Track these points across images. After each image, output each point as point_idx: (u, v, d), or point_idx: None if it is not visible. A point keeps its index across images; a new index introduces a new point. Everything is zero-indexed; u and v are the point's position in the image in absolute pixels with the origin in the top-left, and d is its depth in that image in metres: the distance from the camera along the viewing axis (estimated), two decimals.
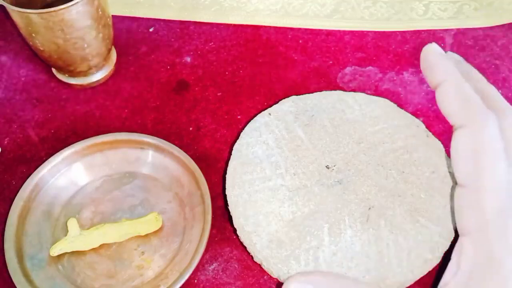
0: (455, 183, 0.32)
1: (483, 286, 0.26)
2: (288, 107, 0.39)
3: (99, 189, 0.38)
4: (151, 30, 0.49)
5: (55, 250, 0.34)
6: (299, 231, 0.33)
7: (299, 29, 0.49)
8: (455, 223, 0.31)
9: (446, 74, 0.30)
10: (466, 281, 0.27)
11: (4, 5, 0.37)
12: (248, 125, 0.39)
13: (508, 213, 0.26)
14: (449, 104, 0.29)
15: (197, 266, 0.33)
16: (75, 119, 0.43)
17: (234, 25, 0.49)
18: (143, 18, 0.50)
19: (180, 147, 0.38)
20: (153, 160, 0.38)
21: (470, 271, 0.27)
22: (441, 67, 0.30)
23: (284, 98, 0.41)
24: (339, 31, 0.49)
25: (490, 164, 0.27)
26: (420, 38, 0.48)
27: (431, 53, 0.31)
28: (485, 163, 0.27)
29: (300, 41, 0.48)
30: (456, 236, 0.34)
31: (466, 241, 0.28)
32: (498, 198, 0.27)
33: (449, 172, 0.36)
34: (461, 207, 0.29)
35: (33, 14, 0.36)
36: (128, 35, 0.48)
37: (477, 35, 0.49)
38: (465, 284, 0.27)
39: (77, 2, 0.37)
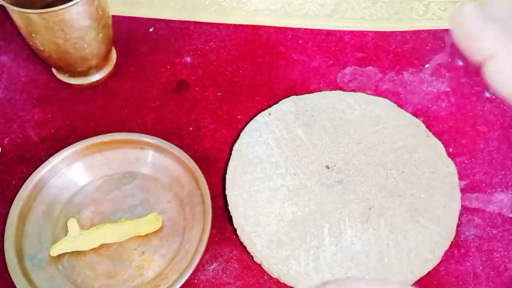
0: None
1: None
2: (288, 107, 0.39)
3: (99, 189, 0.38)
4: (151, 30, 0.49)
5: (55, 250, 0.34)
6: (299, 231, 0.33)
7: (299, 29, 0.49)
8: (458, 225, 0.31)
9: (499, 44, 0.23)
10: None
11: (4, 5, 0.37)
12: (248, 125, 0.39)
13: None
14: (509, 79, 0.23)
15: (197, 266, 0.33)
16: (75, 119, 0.43)
17: (234, 25, 0.49)
18: (143, 18, 0.50)
19: (180, 147, 0.38)
20: (153, 160, 0.38)
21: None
22: (489, 35, 0.23)
23: (284, 98, 0.41)
24: (339, 31, 0.49)
25: None
26: (420, 38, 0.48)
27: (472, 18, 0.25)
28: None
29: (300, 41, 0.48)
30: (455, 237, 0.34)
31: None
32: None
33: (449, 172, 0.36)
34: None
35: (33, 14, 0.36)
36: (128, 35, 0.48)
37: None
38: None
39: (77, 2, 0.37)
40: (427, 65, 0.46)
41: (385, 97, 0.41)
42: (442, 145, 0.37)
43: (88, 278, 0.34)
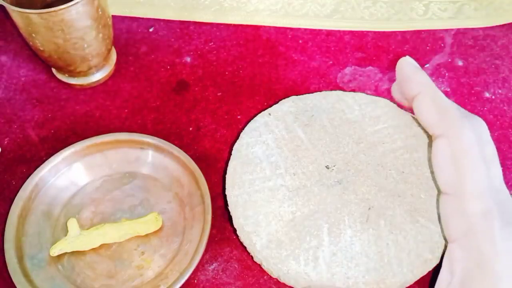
0: (438, 191, 0.33)
1: (478, 286, 0.26)
2: (288, 107, 0.39)
3: (99, 189, 0.38)
4: (151, 30, 0.49)
5: (55, 250, 0.34)
6: (299, 231, 0.33)
7: (299, 29, 0.49)
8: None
9: (422, 86, 0.31)
10: (461, 282, 0.27)
11: (4, 5, 0.37)
12: (248, 125, 0.39)
13: (492, 215, 0.27)
14: (426, 115, 0.30)
15: (197, 266, 0.33)
16: (75, 119, 0.43)
17: (234, 25, 0.49)
18: (143, 18, 0.50)
19: (180, 147, 0.38)
20: (153, 160, 0.38)
21: (462, 277, 0.27)
22: (417, 79, 0.31)
23: (284, 98, 0.41)
24: (339, 31, 0.49)
25: (470, 169, 0.28)
26: (420, 38, 0.48)
27: (406, 65, 0.32)
28: (465, 169, 0.28)
29: (300, 41, 0.48)
30: None
31: (455, 248, 0.29)
32: (481, 201, 0.27)
33: None
34: (446, 214, 0.30)
35: (33, 14, 0.36)
36: (128, 35, 0.48)
37: (477, 35, 0.49)
38: (461, 286, 0.27)
39: (77, 2, 0.37)
40: (427, 65, 0.46)
41: (385, 97, 0.41)
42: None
43: (88, 278, 0.34)
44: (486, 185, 0.27)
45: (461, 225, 0.28)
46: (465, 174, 0.28)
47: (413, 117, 0.39)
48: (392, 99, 0.41)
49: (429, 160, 0.36)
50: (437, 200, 0.33)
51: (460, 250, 0.28)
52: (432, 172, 0.35)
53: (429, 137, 0.38)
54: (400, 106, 0.38)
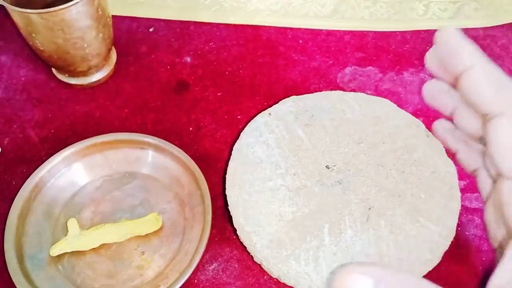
0: (494, 177, 0.29)
1: None
2: (288, 107, 0.39)
3: (99, 189, 0.38)
4: (151, 30, 0.49)
5: (55, 250, 0.34)
6: (299, 231, 0.33)
7: (299, 29, 0.49)
8: (458, 225, 0.31)
9: (474, 58, 0.27)
10: None
11: (4, 5, 0.37)
12: (248, 125, 0.39)
13: None
14: (480, 91, 0.27)
15: (197, 266, 0.33)
16: (75, 119, 0.43)
17: (234, 25, 0.49)
18: (143, 18, 0.50)
19: (180, 147, 0.38)
20: (153, 160, 0.38)
21: None
22: (466, 50, 0.27)
23: (284, 98, 0.41)
24: (339, 31, 0.49)
25: None
26: (420, 38, 0.48)
27: (452, 36, 0.28)
28: None
29: (300, 41, 0.48)
30: (455, 237, 0.34)
31: None
32: None
33: (449, 172, 0.36)
34: None
35: (33, 14, 0.36)
36: (128, 35, 0.48)
37: (477, 35, 0.49)
38: None
39: (77, 2, 0.37)
40: None
41: (385, 97, 0.41)
42: (442, 145, 0.37)
43: (88, 278, 0.34)
44: None
45: None
46: None
47: (413, 117, 0.39)
48: (392, 99, 0.41)
49: (430, 159, 0.36)
50: (480, 183, 0.30)
51: None
52: (433, 172, 0.35)
53: (429, 137, 0.38)
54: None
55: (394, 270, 0.22)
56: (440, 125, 0.31)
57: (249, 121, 0.39)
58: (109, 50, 0.44)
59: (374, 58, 0.47)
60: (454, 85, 0.28)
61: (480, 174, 0.30)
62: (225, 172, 0.37)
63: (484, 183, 0.29)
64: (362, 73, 0.46)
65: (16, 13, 0.37)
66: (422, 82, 0.45)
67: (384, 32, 0.49)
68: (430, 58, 0.31)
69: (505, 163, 0.26)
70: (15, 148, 0.41)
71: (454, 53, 0.27)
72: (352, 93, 0.40)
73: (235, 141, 0.38)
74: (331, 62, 0.46)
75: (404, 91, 0.44)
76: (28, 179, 0.36)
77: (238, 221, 0.34)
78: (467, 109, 0.28)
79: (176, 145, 0.38)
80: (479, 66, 0.27)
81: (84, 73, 0.43)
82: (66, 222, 0.36)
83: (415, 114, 0.41)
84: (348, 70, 0.46)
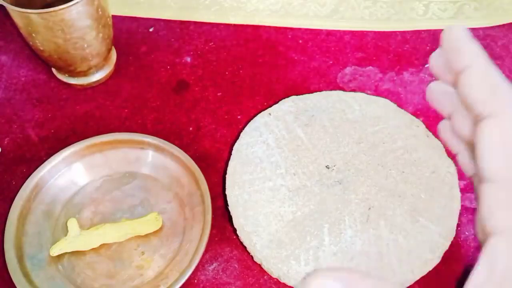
0: (478, 179, 0.29)
1: None
2: (288, 107, 0.39)
3: (99, 189, 0.38)
4: (151, 30, 0.49)
5: (55, 250, 0.34)
6: (299, 231, 0.33)
7: (299, 29, 0.49)
8: (458, 225, 0.31)
9: (473, 58, 0.28)
10: (500, 282, 0.26)
11: (4, 5, 0.37)
12: (248, 125, 0.39)
13: None
14: (474, 91, 0.27)
15: (197, 266, 0.33)
16: (75, 119, 0.43)
17: (234, 25, 0.49)
18: (143, 18, 0.50)
19: (180, 147, 0.38)
20: (153, 160, 0.38)
21: (505, 273, 0.26)
22: (467, 50, 0.28)
23: (284, 98, 0.41)
24: (339, 31, 0.49)
25: None
26: (420, 38, 0.48)
27: (457, 34, 0.29)
28: None
29: (300, 41, 0.48)
30: (455, 237, 0.34)
31: (499, 241, 0.27)
32: None
33: (449, 172, 0.36)
34: (490, 205, 0.28)
35: (33, 14, 0.36)
36: (128, 35, 0.48)
37: (477, 35, 0.49)
38: (500, 285, 0.26)
39: (77, 2, 0.37)
40: (427, 65, 0.46)
41: (385, 97, 0.41)
42: (442, 145, 0.37)
43: (88, 278, 0.34)
44: None
45: (509, 217, 0.26)
46: None
47: (413, 117, 0.39)
48: (392, 99, 0.41)
49: (430, 159, 0.36)
50: (476, 188, 0.31)
51: (504, 245, 0.26)
52: (433, 172, 0.35)
53: (429, 137, 0.38)
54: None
55: (362, 275, 0.23)
56: (445, 125, 0.31)
57: (249, 121, 0.39)
58: (109, 50, 0.44)
59: (374, 58, 0.47)
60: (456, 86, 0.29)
61: (475, 180, 0.30)
62: (225, 172, 0.37)
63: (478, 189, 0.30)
64: (362, 73, 0.45)
65: (16, 13, 0.37)
66: (422, 82, 0.45)
67: (384, 32, 0.49)
68: (435, 59, 0.31)
69: (486, 165, 0.27)
70: (15, 148, 0.41)
71: (457, 51, 0.28)
72: (352, 93, 0.40)
73: (235, 141, 0.38)
74: (331, 62, 0.46)
75: (404, 91, 0.44)
76: (28, 179, 0.36)
77: (238, 221, 0.34)
78: (463, 112, 0.29)
79: (176, 145, 0.38)
80: (477, 66, 0.27)
81: (84, 73, 0.43)
82: (66, 222, 0.36)
83: (415, 114, 0.41)
84: (348, 70, 0.46)
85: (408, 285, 0.32)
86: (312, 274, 0.23)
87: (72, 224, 0.35)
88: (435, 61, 0.31)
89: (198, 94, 0.44)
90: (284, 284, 0.33)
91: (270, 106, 0.40)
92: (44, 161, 0.37)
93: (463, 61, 0.28)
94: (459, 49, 0.28)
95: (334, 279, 0.23)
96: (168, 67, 0.46)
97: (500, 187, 0.26)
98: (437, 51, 0.31)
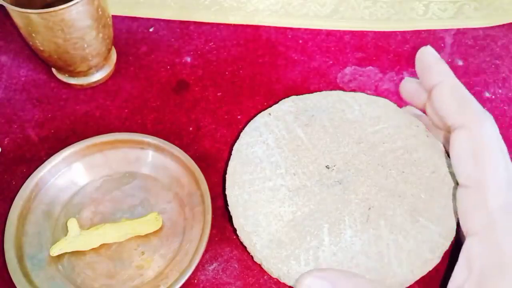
0: (456, 184, 0.33)
1: (497, 285, 0.26)
2: (288, 107, 0.39)
3: (99, 189, 0.38)
4: (151, 30, 0.49)
5: (55, 250, 0.34)
6: (299, 231, 0.33)
7: (299, 29, 0.49)
8: (458, 224, 0.31)
9: (443, 75, 0.31)
10: (479, 280, 0.27)
11: (4, 5, 0.37)
12: (248, 125, 0.39)
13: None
14: (446, 105, 0.30)
15: (197, 266, 0.33)
16: (75, 119, 0.43)
17: (234, 25, 0.49)
18: (143, 18, 0.50)
19: (180, 147, 0.38)
20: (153, 160, 0.38)
21: (481, 275, 0.27)
22: (437, 68, 0.31)
23: (284, 98, 0.41)
24: (339, 31, 0.49)
25: (492, 162, 0.28)
26: (420, 38, 0.48)
27: (427, 54, 0.32)
28: (486, 161, 0.28)
29: (300, 41, 0.48)
30: (457, 237, 0.34)
31: (473, 242, 0.28)
32: (502, 195, 0.27)
33: (449, 172, 0.36)
34: (465, 208, 0.30)
35: (33, 14, 0.36)
36: (128, 35, 0.48)
37: (477, 35, 0.49)
38: (478, 284, 0.27)
39: (77, 2, 0.37)
40: None
41: (385, 97, 0.41)
42: (442, 145, 0.37)
43: (88, 278, 0.34)
44: (506, 179, 0.27)
45: (481, 218, 0.28)
46: (486, 166, 0.28)
47: (413, 117, 0.39)
48: (392, 99, 0.41)
49: (430, 159, 0.36)
50: (453, 194, 0.33)
51: (479, 245, 0.28)
52: (433, 172, 0.35)
53: (429, 137, 0.38)
54: (399, 106, 0.38)
55: (350, 274, 0.25)
56: (406, 84, 0.35)
57: (249, 121, 0.39)
58: (109, 50, 0.44)
59: (374, 58, 0.47)
60: (424, 111, 0.34)
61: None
62: (225, 172, 0.37)
63: None
64: (362, 73, 0.46)
65: (16, 13, 0.37)
66: None
67: (384, 32, 0.49)
68: (405, 85, 0.36)
69: (459, 172, 0.30)
70: (15, 148, 0.41)
71: (428, 70, 0.32)
72: (352, 93, 0.40)
73: (235, 141, 0.38)
74: (331, 62, 0.46)
75: None
76: (28, 179, 0.36)
77: (238, 221, 0.34)
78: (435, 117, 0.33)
79: (176, 145, 0.38)
80: (447, 82, 0.30)
81: (84, 73, 0.43)
82: (66, 222, 0.36)
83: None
84: (348, 70, 0.46)
85: (408, 285, 0.32)
86: (303, 274, 0.25)
87: (72, 224, 0.35)
88: (406, 87, 0.35)
89: (198, 94, 0.44)
90: (284, 284, 0.33)
91: (270, 106, 0.40)
92: (44, 161, 0.37)
93: (434, 78, 0.31)
94: (430, 68, 0.31)
95: (322, 278, 0.25)
96: (168, 67, 0.46)
97: (472, 191, 0.29)
98: (407, 78, 0.35)
